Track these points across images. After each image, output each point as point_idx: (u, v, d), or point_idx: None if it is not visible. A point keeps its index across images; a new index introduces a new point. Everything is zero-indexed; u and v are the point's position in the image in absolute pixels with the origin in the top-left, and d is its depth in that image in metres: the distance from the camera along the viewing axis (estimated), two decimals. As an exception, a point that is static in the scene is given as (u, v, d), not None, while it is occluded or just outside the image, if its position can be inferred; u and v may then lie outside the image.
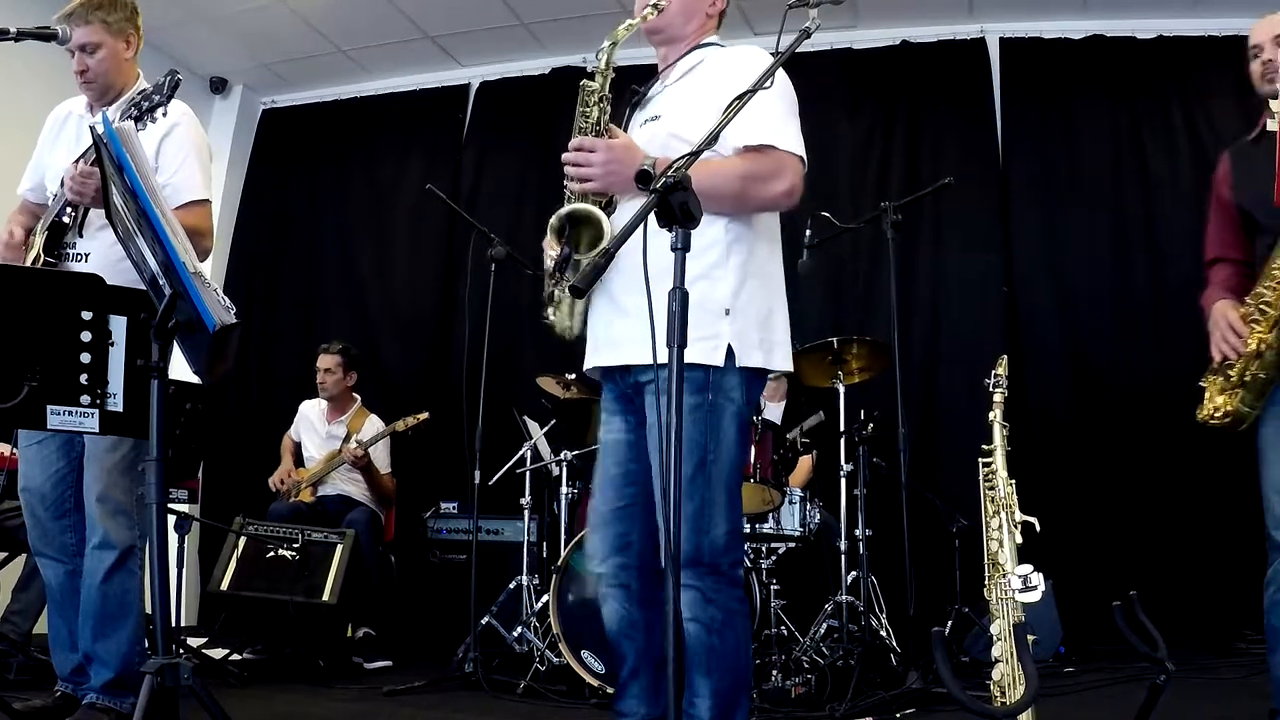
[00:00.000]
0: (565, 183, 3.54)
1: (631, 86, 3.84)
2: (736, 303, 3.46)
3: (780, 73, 3.34)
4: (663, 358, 2.71)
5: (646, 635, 3.63)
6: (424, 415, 8.06)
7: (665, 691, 3.49)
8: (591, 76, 3.59)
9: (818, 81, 9.01)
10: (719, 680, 3.39)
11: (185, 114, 4.61)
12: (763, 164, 3.45)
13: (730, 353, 3.42)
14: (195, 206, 4.58)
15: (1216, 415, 4.17)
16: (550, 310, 3.73)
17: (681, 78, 3.73)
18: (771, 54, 3.19)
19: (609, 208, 3.48)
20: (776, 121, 3.47)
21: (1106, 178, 8.49)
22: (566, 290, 3.57)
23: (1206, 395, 4.24)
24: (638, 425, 3.64)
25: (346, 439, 8.17)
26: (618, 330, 3.56)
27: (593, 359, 3.73)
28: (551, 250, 3.52)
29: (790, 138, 3.49)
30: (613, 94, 3.60)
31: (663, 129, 3.59)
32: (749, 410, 3.56)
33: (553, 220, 3.43)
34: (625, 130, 3.72)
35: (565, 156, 3.47)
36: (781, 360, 3.61)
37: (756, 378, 3.56)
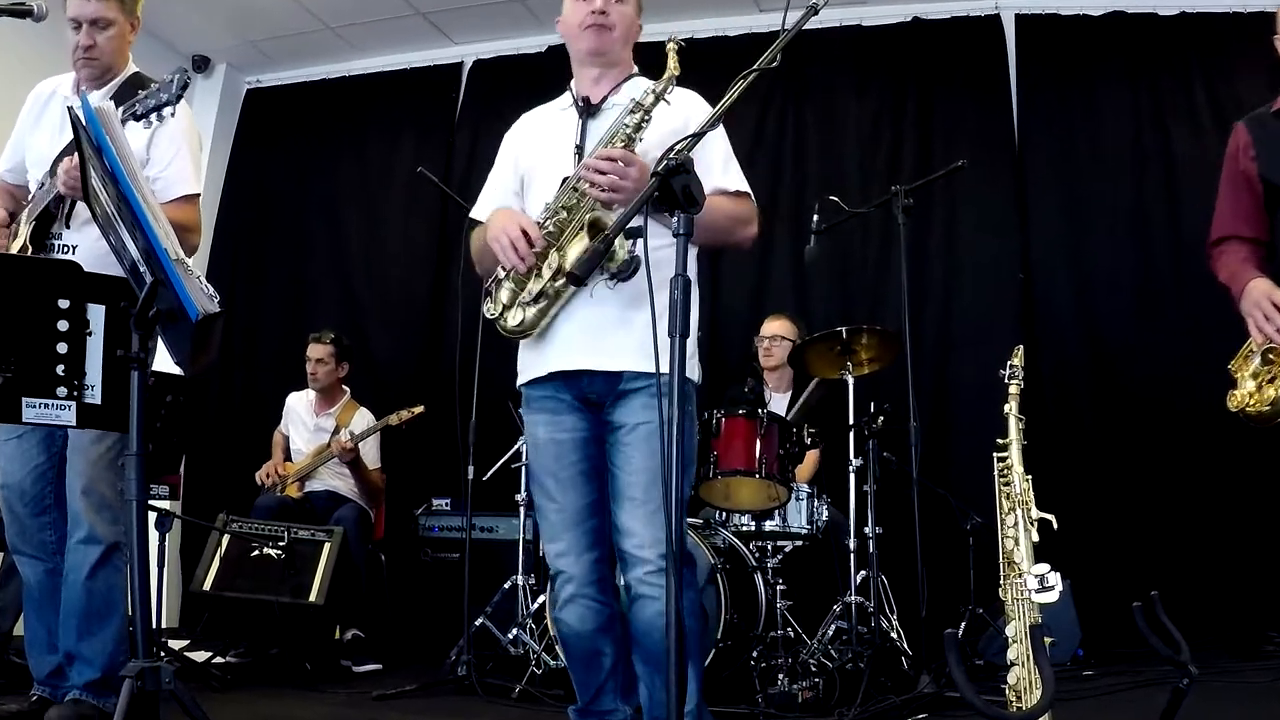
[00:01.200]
0: (575, 184, 3.59)
1: (585, 97, 3.99)
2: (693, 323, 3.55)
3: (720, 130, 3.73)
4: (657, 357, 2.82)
5: (621, 623, 3.77)
6: (419, 409, 8.03)
7: (639, 682, 3.62)
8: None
9: (825, 61, 9.02)
10: (699, 662, 3.71)
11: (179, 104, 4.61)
12: (744, 209, 3.90)
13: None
14: (186, 202, 4.59)
15: (1252, 405, 4.14)
16: (519, 309, 3.79)
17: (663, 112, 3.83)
18: (777, 32, 3.19)
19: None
20: (741, 174, 3.93)
21: (1127, 159, 8.47)
22: (567, 282, 3.59)
23: (1239, 381, 4.22)
24: (594, 426, 3.78)
25: (335, 432, 8.16)
26: (616, 338, 3.65)
27: (572, 361, 3.76)
28: (573, 250, 3.59)
29: (748, 189, 3.95)
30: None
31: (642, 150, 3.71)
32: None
33: (586, 219, 3.53)
34: (583, 139, 3.88)
35: (595, 163, 3.53)
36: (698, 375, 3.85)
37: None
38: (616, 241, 3.25)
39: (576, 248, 3.55)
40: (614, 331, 3.64)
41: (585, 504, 3.74)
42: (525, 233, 3.66)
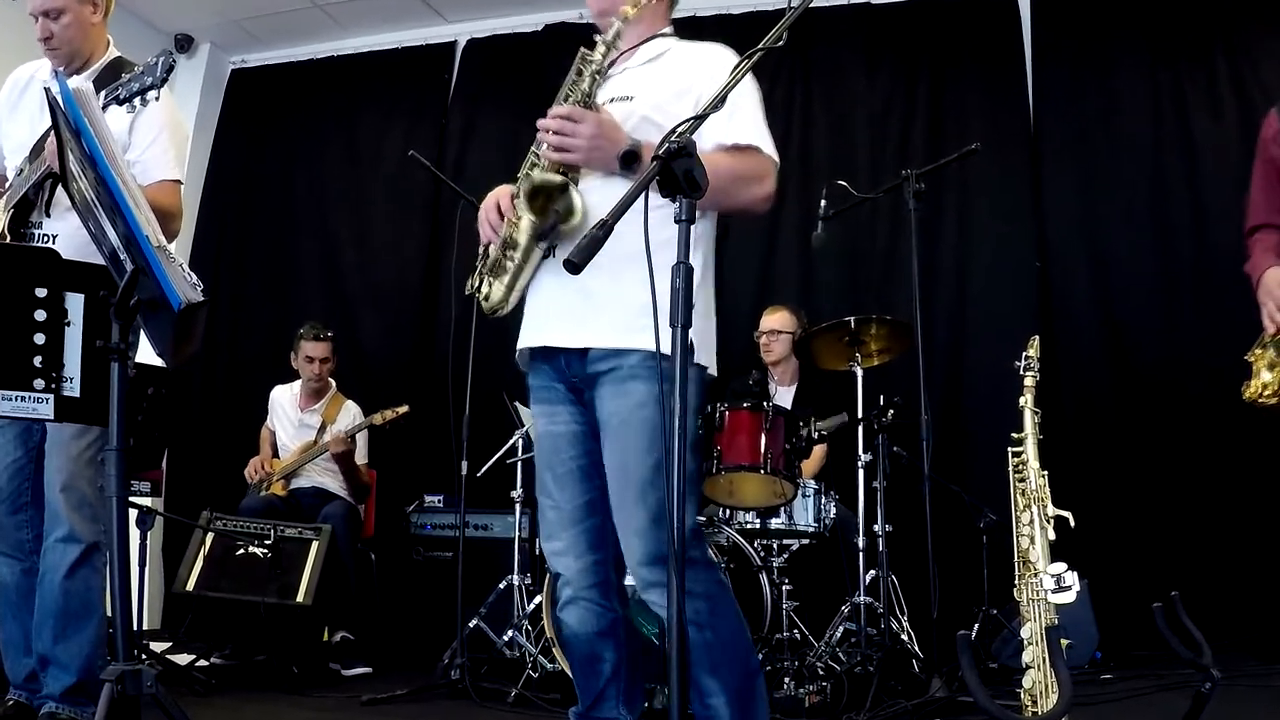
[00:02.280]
0: (536, 149, 3.61)
1: (582, 49, 3.88)
2: (698, 299, 3.41)
3: (749, 76, 3.44)
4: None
5: (626, 630, 3.73)
6: (403, 409, 8.03)
7: (640, 688, 3.59)
8: (592, 46, 3.67)
9: (833, 40, 9.01)
10: (727, 674, 3.47)
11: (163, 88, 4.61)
12: (750, 165, 3.64)
13: (691, 348, 3.43)
14: (166, 186, 4.58)
15: (1266, 393, 4.16)
16: (485, 282, 3.82)
17: (649, 62, 3.84)
18: (783, 10, 3.18)
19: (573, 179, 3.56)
20: (757, 124, 3.67)
21: (1146, 142, 8.44)
22: (560, 259, 3.57)
23: (1254, 370, 4.23)
24: (591, 418, 3.69)
25: (321, 429, 8.16)
26: (579, 313, 3.60)
27: (539, 338, 3.75)
28: (525, 216, 3.57)
29: (769, 143, 3.70)
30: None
31: (636, 109, 3.68)
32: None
33: (525, 186, 3.51)
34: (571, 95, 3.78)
35: (546, 123, 3.57)
36: (711, 365, 3.75)
37: (703, 378, 3.72)
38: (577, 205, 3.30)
39: (526, 217, 3.55)
40: (579, 304, 3.59)
41: (583, 502, 3.70)
42: (498, 205, 3.73)
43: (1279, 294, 4.09)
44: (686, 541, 3.41)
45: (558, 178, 3.55)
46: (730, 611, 3.54)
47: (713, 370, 3.74)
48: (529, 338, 3.78)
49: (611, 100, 3.74)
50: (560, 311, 3.66)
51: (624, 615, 3.74)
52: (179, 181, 4.67)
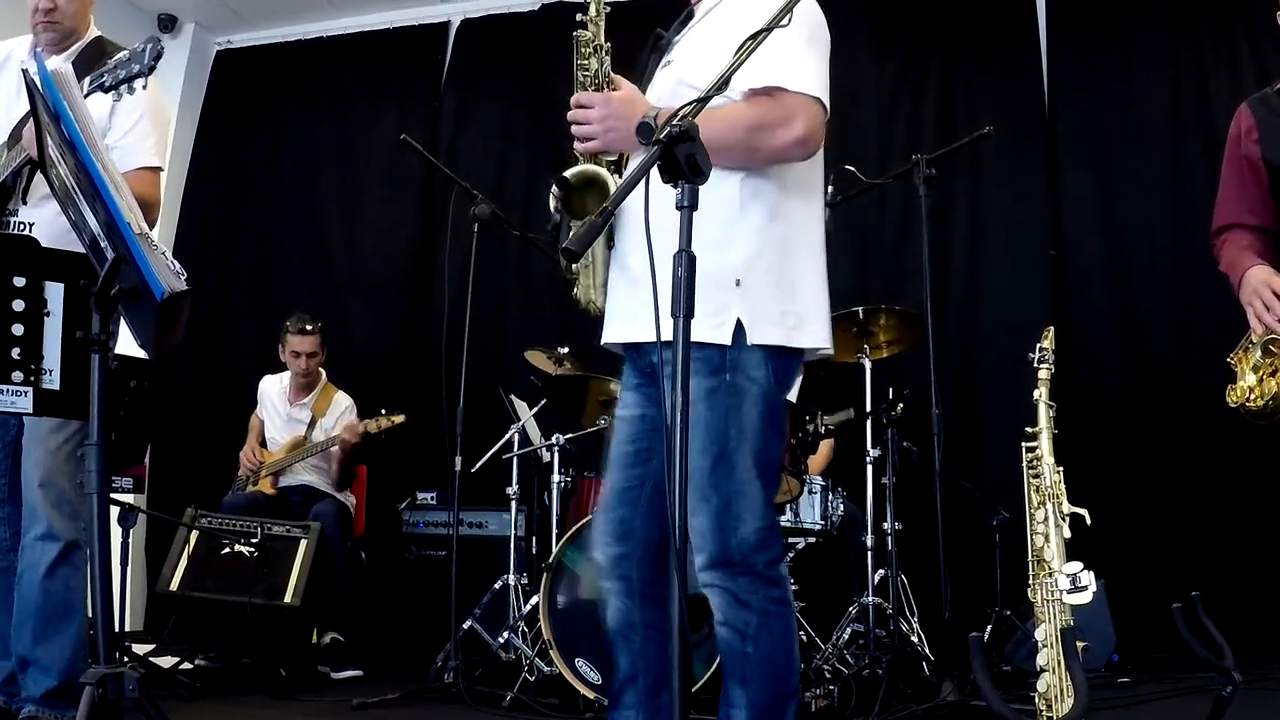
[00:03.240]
0: (575, 144, 3.55)
1: (656, 30, 3.83)
2: (751, 273, 3.42)
3: (808, 4, 3.39)
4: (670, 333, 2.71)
5: (645, 638, 3.64)
6: (399, 418, 7.97)
7: (666, 704, 3.53)
8: (583, 25, 3.61)
9: (840, 19, 8.96)
10: (756, 690, 3.41)
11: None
12: (770, 109, 3.40)
13: (740, 329, 3.38)
14: (145, 173, 4.57)
15: (1253, 398, 4.16)
16: (574, 284, 3.76)
17: (699, 22, 3.73)
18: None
19: (620, 168, 3.50)
20: (789, 59, 3.41)
21: (1166, 125, 8.41)
22: (561, 256, 3.56)
23: (1238, 374, 4.24)
24: (658, 402, 3.60)
25: (311, 424, 8.15)
26: (631, 302, 3.54)
27: (606, 333, 3.73)
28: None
29: (803, 76, 3.43)
30: (647, 35, 3.63)
31: (671, 76, 3.60)
32: (778, 392, 3.51)
33: (554, 188, 3.47)
34: (648, 80, 3.73)
35: (568, 115, 3.48)
36: (811, 337, 3.54)
37: (783, 356, 3.50)
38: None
39: (589, 211, 3.52)
40: (631, 296, 3.53)
41: (619, 489, 3.69)
42: None
43: (1266, 292, 4.05)
44: (754, 547, 3.42)
45: (589, 168, 3.51)
46: (780, 629, 3.47)
47: (802, 344, 3.53)
48: (605, 333, 3.75)
49: (661, 68, 3.71)
50: (618, 305, 3.65)
51: (646, 619, 3.68)
52: (159, 169, 4.66)
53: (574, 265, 3.67)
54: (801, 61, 3.45)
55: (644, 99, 3.48)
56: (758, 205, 3.47)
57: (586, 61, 3.56)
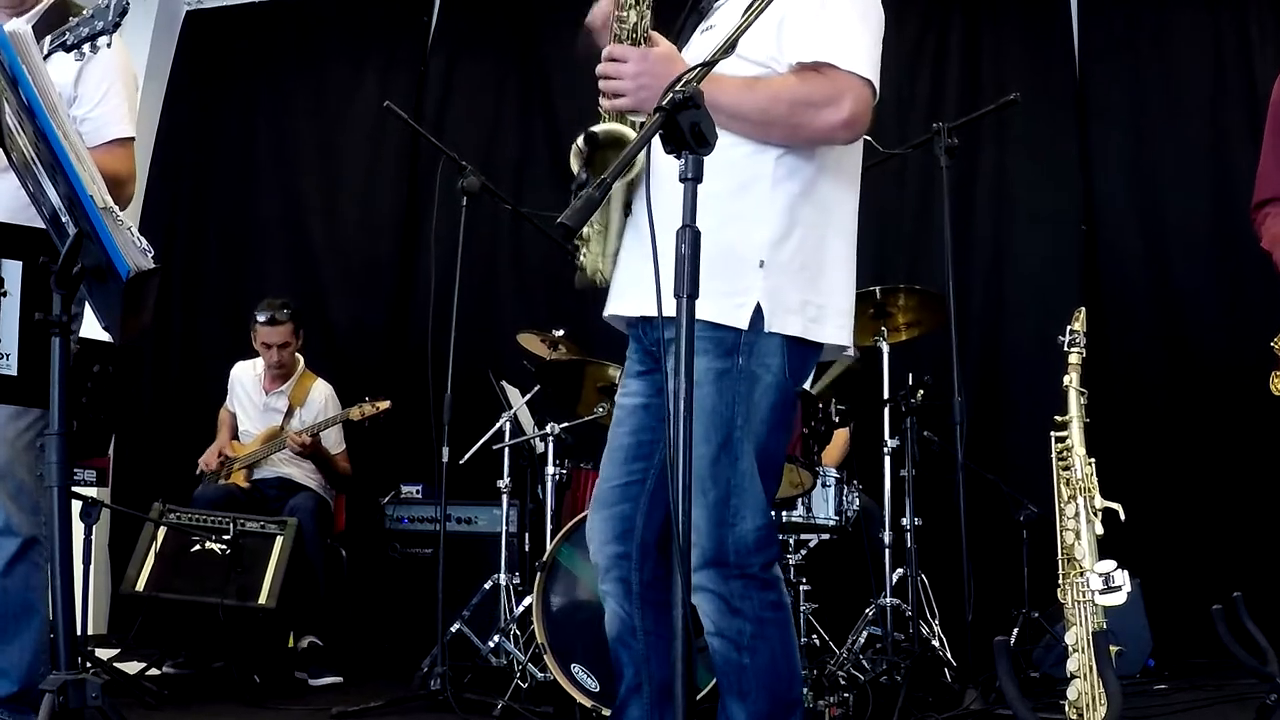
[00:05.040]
0: (600, 100, 3.52)
1: None
2: (776, 254, 3.41)
3: None
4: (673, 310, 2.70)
5: (648, 645, 3.63)
6: (384, 404, 7.94)
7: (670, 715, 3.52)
8: None
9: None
10: (756, 702, 3.41)
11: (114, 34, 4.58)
12: (817, 87, 3.38)
13: (760, 313, 3.37)
14: (118, 147, 4.56)
15: None
16: (581, 251, 3.72)
17: None
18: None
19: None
20: (841, 35, 3.41)
21: (1206, 91, 8.39)
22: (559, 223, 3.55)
23: None
24: (655, 392, 3.63)
25: (288, 414, 8.13)
26: (641, 275, 3.42)
27: (611, 305, 3.73)
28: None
29: (856, 55, 3.41)
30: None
31: (713, 40, 3.51)
32: (790, 382, 3.49)
33: (577, 142, 3.45)
34: (685, 43, 3.70)
35: (598, 68, 3.44)
36: (833, 331, 3.55)
37: (800, 348, 3.50)
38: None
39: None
40: (642, 265, 3.33)
41: (619, 484, 3.67)
42: None
43: None
44: (752, 547, 3.41)
45: (619, 127, 3.50)
46: (778, 637, 3.46)
47: (822, 338, 3.52)
48: (609, 305, 3.75)
49: (702, 32, 3.68)
50: (627, 275, 3.64)
51: (647, 625, 3.66)
52: (132, 139, 4.66)
53: (584, 231, 3.65)
54: (855, 39, 3.44)
55: (683, 60, 3.42)
56: (791, 184, 3.46)
57: (625, 13, 3.50)
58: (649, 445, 3.63)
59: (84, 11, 4.15)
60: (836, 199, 3.59)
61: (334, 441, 8.24)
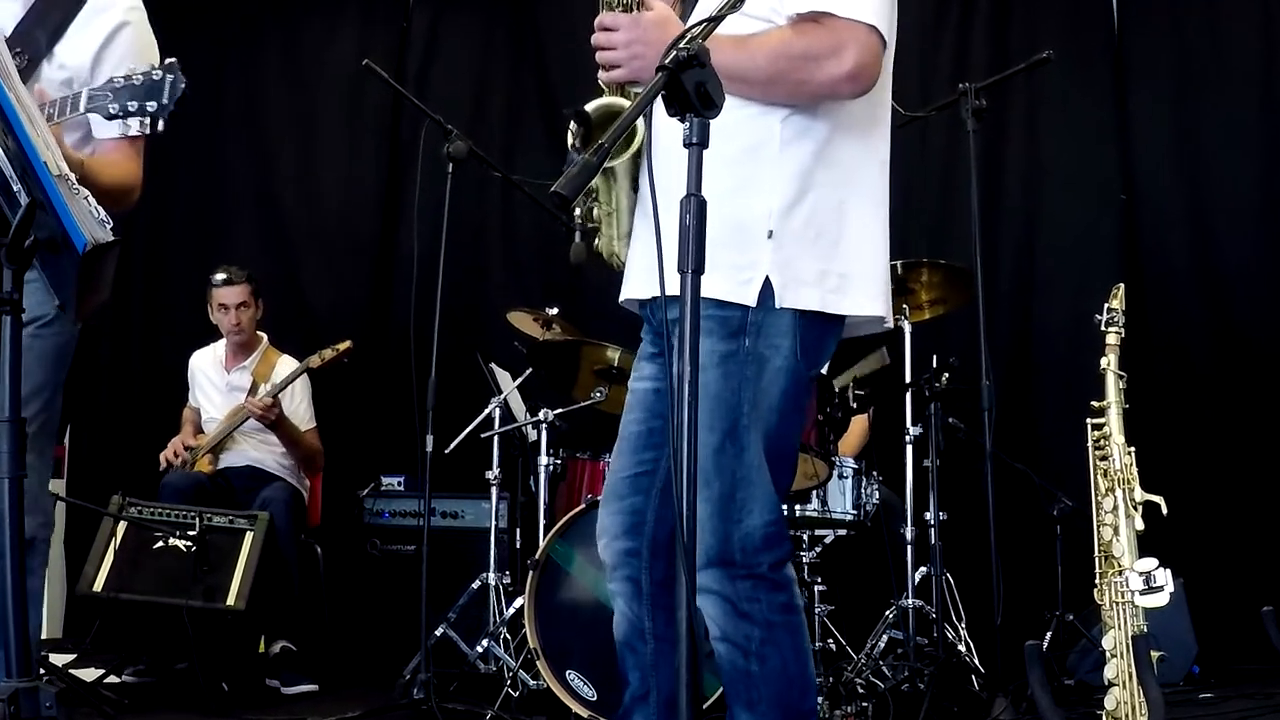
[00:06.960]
0: (599, 74, 3.51)
1: None
2: (786, 224, 3.38)
3: None
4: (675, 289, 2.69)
5: (657, 651, 3.62)
6: (344, 344, 7.92)
7: None
8: None
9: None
10: (766, 713, 3.40)
11: (134, 8, 4.57)
12: (816, 38, 3.33)
13: (769, 289, 3.35)
14: (127, 144, 4.56)
15: None
16: (577, 221, 3.72)
17: None
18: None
19: None
20: None
21: (1255, 48, 8.41)
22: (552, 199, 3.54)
23: None
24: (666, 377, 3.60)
25: (253, 389, 8.07)
26: (651, 254, 3.46)
27: (625, 289, 3.72)
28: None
29: (857, 1, 3.35)
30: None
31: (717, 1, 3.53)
32: (804, 366, 3.46)
33: (572, 123, 3.44)
34: (691, 3, 3.67)
35: (592, 39, 3.44)
36: (861, 301, 3.51)
37: (816, 324, 3.47)
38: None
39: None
40: (652, 243, 3.38)
41: (630, 475, 3.66)
42: None
43: None
44: (760, 545, 3.40)
45: (614, 100, 3.49)
46: (788, 642, 3.44)
47: (843, 310, 3.49)
48: (624, 290, 3.74)
49: None
50: (638, 255, 3.63)
51: (658, 628, 3.64)
52: (145, 136, 4.65)
53: (595, 214, 3.65)
54: None
55: (679, 22, 3.39)
56: (802, 146, 3.42)
57: None
58: (660, 433, 3.59)
59: (131, 78, 4.13)
60: (858, 159, 3.54)
61: (303, 416, 8.15)
